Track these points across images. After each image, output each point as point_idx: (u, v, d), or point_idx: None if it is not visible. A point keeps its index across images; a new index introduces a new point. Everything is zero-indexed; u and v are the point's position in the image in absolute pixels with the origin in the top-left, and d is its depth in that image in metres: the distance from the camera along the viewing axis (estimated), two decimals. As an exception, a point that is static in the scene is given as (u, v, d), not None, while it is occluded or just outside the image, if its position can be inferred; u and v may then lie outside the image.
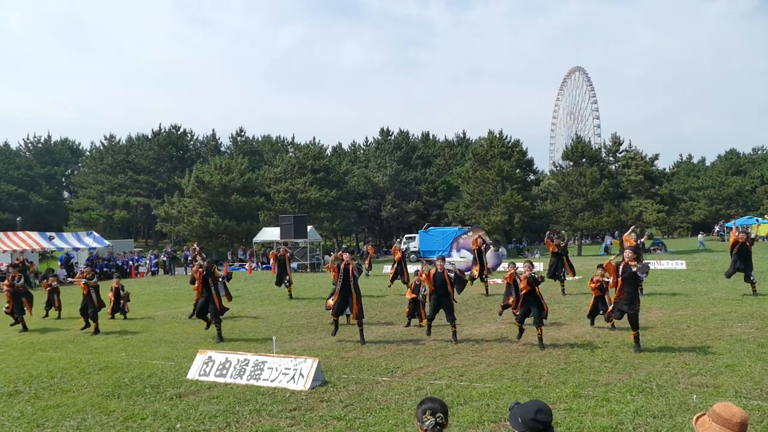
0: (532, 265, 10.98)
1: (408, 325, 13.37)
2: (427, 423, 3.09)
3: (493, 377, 8.48)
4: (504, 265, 14.71)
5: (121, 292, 16.65)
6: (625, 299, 9.83)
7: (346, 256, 11.86)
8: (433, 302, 11.42)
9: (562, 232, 20.35)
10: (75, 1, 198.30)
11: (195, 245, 13.54)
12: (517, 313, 10.88)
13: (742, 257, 15.71)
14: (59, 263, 33.10)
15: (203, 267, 12.53)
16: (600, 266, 12.53)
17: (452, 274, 11.42)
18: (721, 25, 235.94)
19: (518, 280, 12.58)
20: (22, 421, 7.27)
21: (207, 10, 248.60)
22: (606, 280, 11.99)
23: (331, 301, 12.35)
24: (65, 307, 17.61)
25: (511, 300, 12.69)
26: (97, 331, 13.89)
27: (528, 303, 10.61)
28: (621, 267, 9.96)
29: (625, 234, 17.36)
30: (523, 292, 10.67)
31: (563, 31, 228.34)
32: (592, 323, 12.32)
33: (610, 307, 10.54)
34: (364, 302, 12.67)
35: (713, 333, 11.05)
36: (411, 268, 20.12)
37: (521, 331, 10.85)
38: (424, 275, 11.87)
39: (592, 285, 12.32)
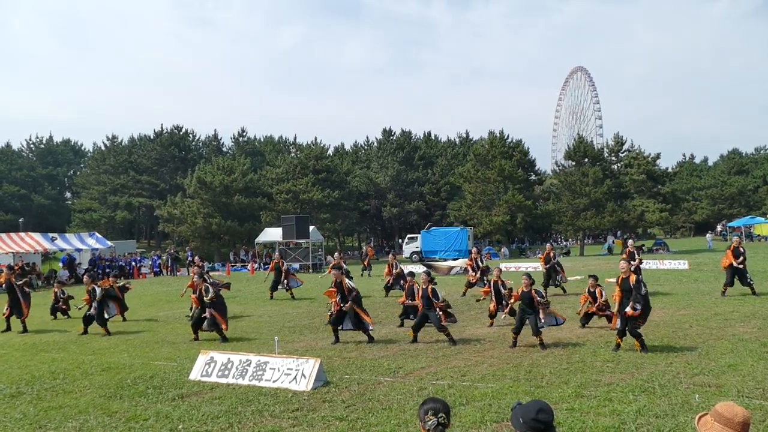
0: (531, 279, 10.84)
1: (401, 325, 13.35)
2: (429, 423, 3.10)
3: (495, 377, 8.48)
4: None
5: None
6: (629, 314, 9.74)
7: (334, 271, 11.95)
8: (419, 317, 11.39)
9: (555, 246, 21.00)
10: (75, 2, 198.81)
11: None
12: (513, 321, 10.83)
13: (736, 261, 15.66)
14: (61, 264, 33.13)
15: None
16: (591, 276, 12.60)
17: (436, 289, 11.35)
18: (722, 25, 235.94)
19: (501, 287, 12.71)
20: (24, 422, 7.28)
21: (207, 10, 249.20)
22: (596, 289, 12.14)
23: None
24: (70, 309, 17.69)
25: (492, 306, 12.85)
26: (107, 332, 13.92)
27: (524, 313, 10.54)
28: (619, 280, 9.98)
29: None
30: (512, 301, 10.67)
31: (564, 31, 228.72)
32: (583, 325, 12.30)
33: (614, 313, 10.48)
34: (366, 303, 12.70)
35: (715, 333, 11.03)
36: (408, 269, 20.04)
37: (515, 341, 10.71)
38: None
39: (582, 299, 12.42)
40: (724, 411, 2.80)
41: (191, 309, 14.47)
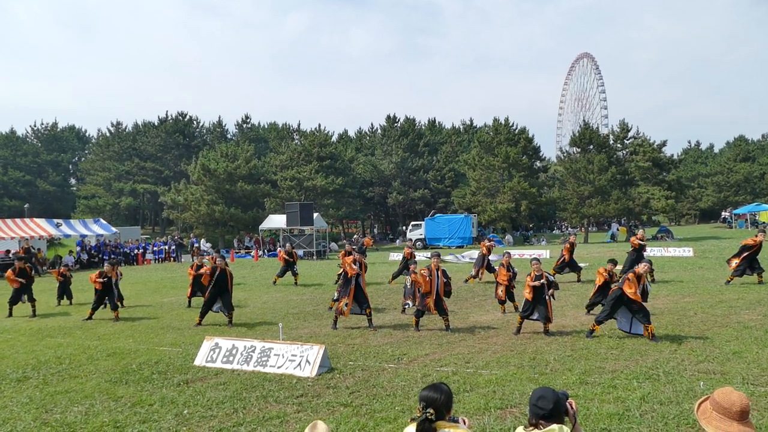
0: (539, 261, 10.84)
1: (403, 311, 13.39)
2: (419, 416, 3.00)
3: (500, 364, 8.48)
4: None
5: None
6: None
7: (357, 256, 11.91)
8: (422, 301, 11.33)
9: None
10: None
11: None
12: (522, 307, 10.77)
13: (752, 257, 15.61)
14: (78, 247, 32.99)
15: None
16: (611, 261, 12.62)
17: (446, 279, 11.29)
18: (731, 12, 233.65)
19: (512, 268, 12.74)
20: (30, 406, 7.33)
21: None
22: (615, 272, 12.14)
23: (343, 306, 11.64)
24: (75, 293, 17.78)
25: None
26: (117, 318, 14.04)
27: (535, 301, 10.49)
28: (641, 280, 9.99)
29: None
30: (532, 287, 10.55)
31: (571, 18, 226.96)
32: (589, 312, 12.27)
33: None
34: (370, 290, 12.71)
35: (720, 320, 11.01)
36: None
37: (520, 326, 10.77)
38: (419, 277, 11.57)
39: (602, 273, 12.26)
40: (722, 400, 2.73)
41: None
